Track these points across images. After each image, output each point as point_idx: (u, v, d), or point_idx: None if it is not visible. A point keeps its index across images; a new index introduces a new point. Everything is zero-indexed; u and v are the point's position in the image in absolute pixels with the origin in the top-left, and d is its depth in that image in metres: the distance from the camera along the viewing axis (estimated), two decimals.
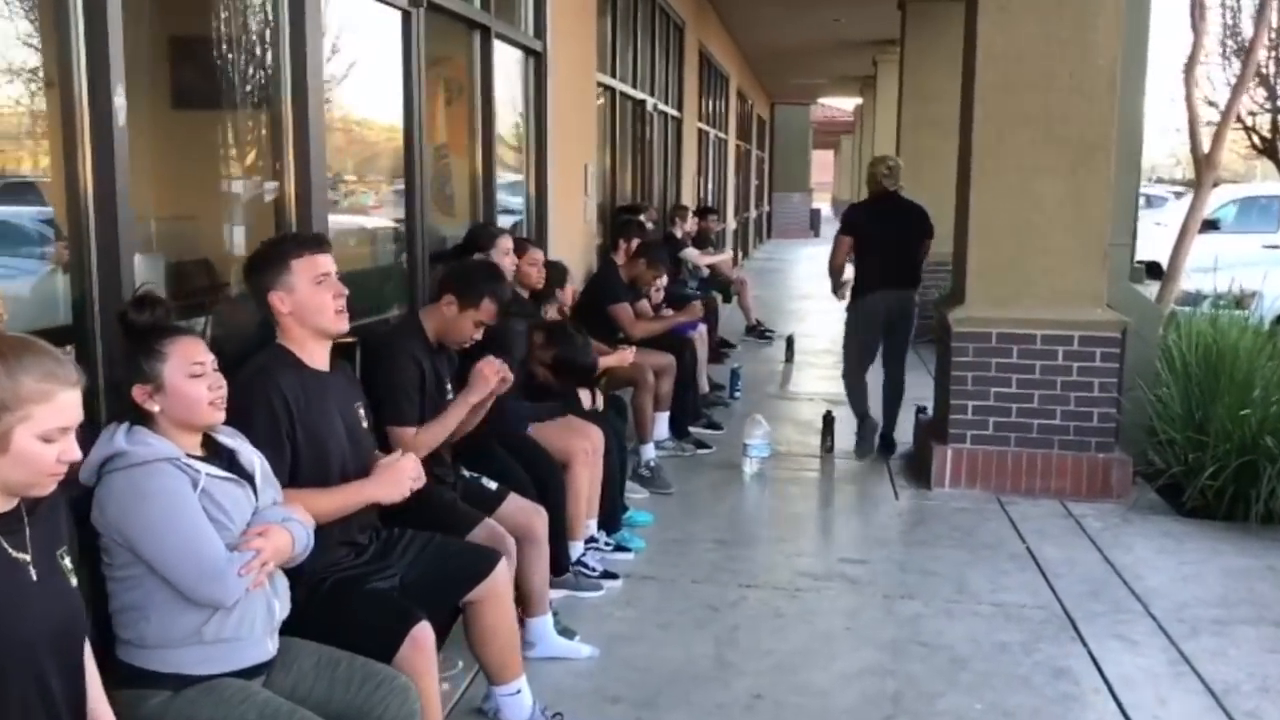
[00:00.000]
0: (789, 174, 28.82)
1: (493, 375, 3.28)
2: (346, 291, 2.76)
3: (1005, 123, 5.63)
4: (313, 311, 2.70)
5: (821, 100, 30.05)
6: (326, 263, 2.73)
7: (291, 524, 2.32)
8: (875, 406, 6.59)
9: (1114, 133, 5.61)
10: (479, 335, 3.49)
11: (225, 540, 2.21)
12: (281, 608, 2.36)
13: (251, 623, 2.27)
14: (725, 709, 3.45)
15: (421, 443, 3.22)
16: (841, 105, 30.55)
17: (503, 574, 3.07)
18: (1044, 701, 3.53)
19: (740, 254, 19.59)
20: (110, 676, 2.20)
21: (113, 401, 2.41)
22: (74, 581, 1.89)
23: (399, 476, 2.76)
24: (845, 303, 6.77)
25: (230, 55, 4.08)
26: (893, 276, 6.34)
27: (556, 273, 5.34)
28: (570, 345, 4.26)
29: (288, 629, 2.46)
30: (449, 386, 3.39)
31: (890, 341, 6.48)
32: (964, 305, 5.80)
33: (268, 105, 3.62)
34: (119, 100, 2.40)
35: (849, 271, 6.59)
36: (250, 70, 3.87)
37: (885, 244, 6.33)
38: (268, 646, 2.33)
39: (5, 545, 1.76)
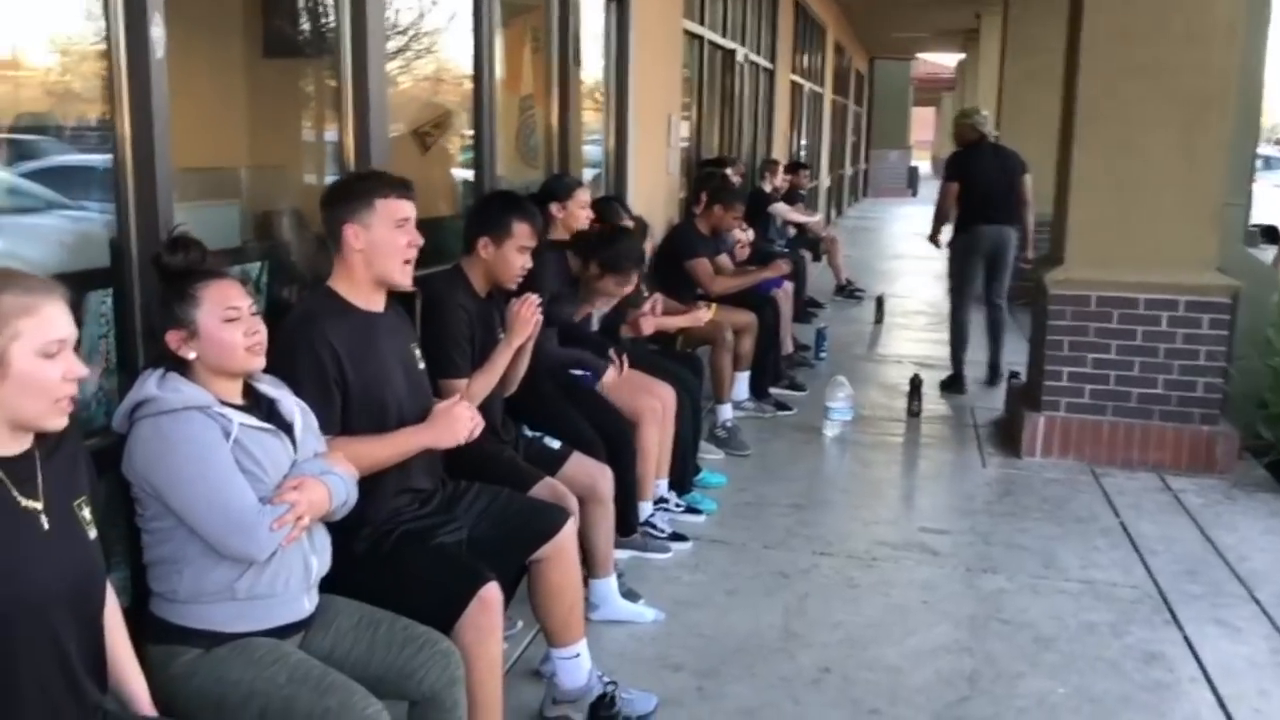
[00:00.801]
0: (887, 131, 28.16)
1: (529, 314, 3.16)
2: (421, 242, 2.65)
3: (1113, 74, 5.31)
4: (385, 255, 2.59)
5: (922, 55, 29.24)
6: (409, 209, 2.62)
7: (330, 477, 2.22)
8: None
9: (1232, 86, 5.25)
10: (528, 261, 3.36)
11: (259, 493, 2.11)
12: (320, 564, 2.27)
13: (286, 579, 2.18)
14: (790, 682, 3.31)
15: (473, 393, 3.11)
16: (943, 61, 29.69)
17: (570, 532, 2.97)
18: (1134, 688, 3.32)
19: (834, 212, 19.21)
20: (143, 631, 2.14)
21: (150, 348, 2.33)
22: (93, 534, 1.81)
23: (453, 421, 2.63)
24: (944, 251, 7.51)
25: (317, 2, 4.00)
26: (990, 213, 6.91)
27: (638, 229, 5.20)
28: (608, 245, 4.16)
29: (349, 580, 2.39)
30: (501, 335, 3.27)
31: (989, 273, 7.05)
32: (1062, 266, 5.52)
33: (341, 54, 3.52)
34: (156, 31, 2.30)
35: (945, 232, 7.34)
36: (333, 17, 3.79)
37: (982, 184, 6.90)
38: (304, 604, 2.24)
39: (15, 493, 1.68)
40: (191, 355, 2.14)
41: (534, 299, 3.18)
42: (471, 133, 4.55)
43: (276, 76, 4.01)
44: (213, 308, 2.14)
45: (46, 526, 1.72)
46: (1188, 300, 5.31)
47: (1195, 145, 5.24)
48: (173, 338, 2.14)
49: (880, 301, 9.80)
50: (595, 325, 4.47)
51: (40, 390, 1.69)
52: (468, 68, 4.47)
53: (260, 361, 2.22)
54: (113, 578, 2.06)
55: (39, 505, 1.72)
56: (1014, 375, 6.37)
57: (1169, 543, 4.46)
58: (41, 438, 1.76)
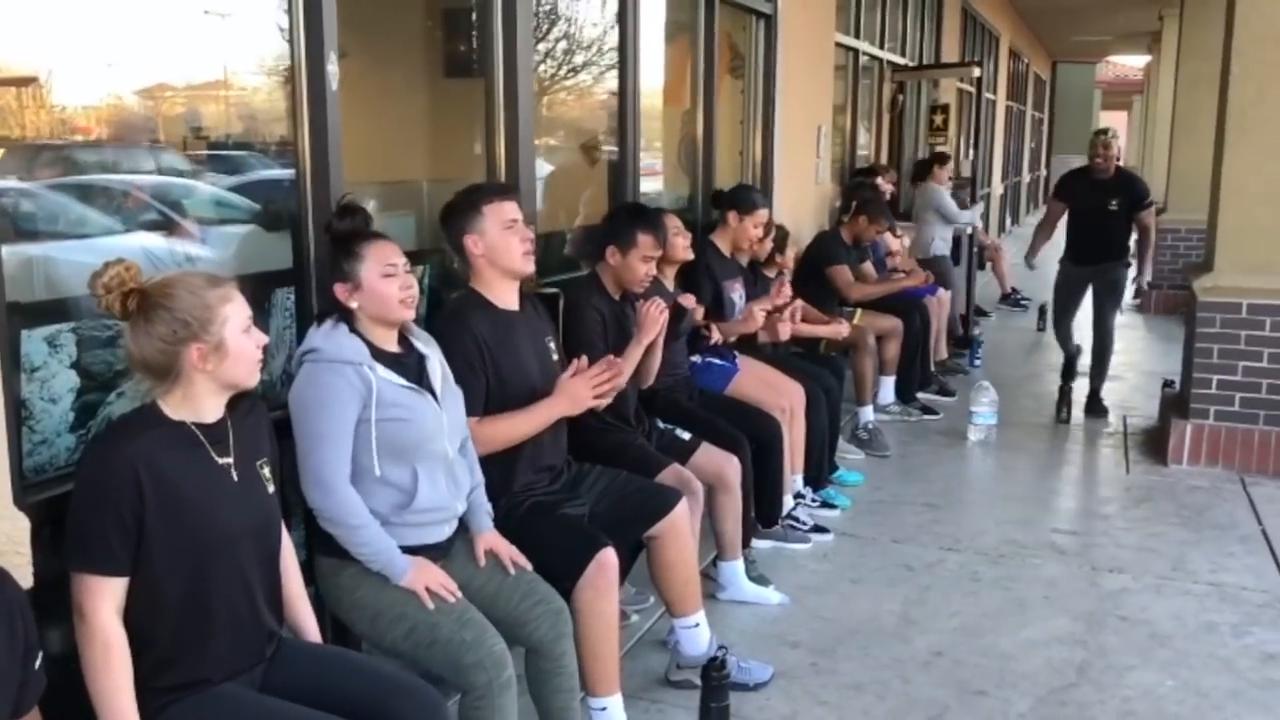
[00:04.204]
0: (1070, 135, 27.31)
1: (658, 314, 3.44)
2: (532, 236, 2.99)
3: (1265, 78, 5.26)
4: (502, 253, 2.93)
5: (1110, 59, 28.26)
6: (513, 209, 2.96)
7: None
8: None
9: None
10: (652, 269, 3.67)
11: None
12: (462, 506, 2.65)
13: (434, 511, 2.55)
14: (901, 663, 3.50)
15: None
16: (1131, 63, 28.60)
17: (682, 513, 3.23)
18: (1245, 685, 3.38)
19: (1008, 219, 18.84)
20: (315, 543, 2.53)
21: (322, 300, 2.73)
22: (271, 489, 2.20)
23: (576, 391, 2.98)
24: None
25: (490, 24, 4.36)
26: (1090, 244, 6.69)
27: (780, 238, 5.45)
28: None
29: None
30: (634, 332, 3.57)
31: (1095, 303, 6.77)
32: (1212, 273, 5.49)
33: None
34: (331, 67, 2.70)
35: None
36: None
37: (1085, 211, 6.67)
38: (444, 531, 2.61)
39: (211, 452, 2.08)
40: (354, 305, 2.51)
41: (660, 301, 3.48)
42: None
43: (454, 95, 4.39)
44: (374, 264, 2.51)
45: (235, 479, 2.12)
46: None
47: None
48: (340, 290, 2.52)
49: (1044, 310, 9.70)
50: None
51: (247, 359, 2.10)
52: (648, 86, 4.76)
53: (411, 313, 2.57)
54: (293, 534, 2.45)
55: (230, 461, 2.11)
56: (1168, 384, 6.31)
57: None
58: (233, 408, 2.16)
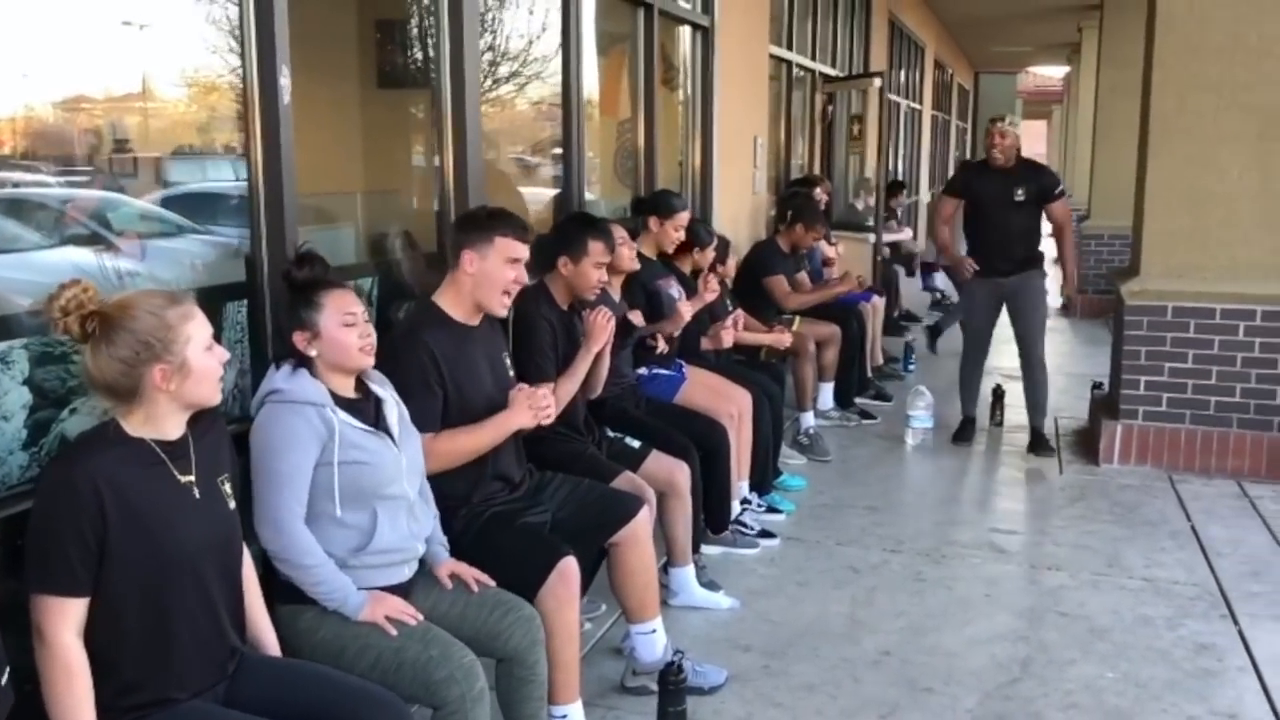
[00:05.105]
0: None
1: (605, 322, 3.48)
2: (526, 280, 3.02)
3: (1186, 88, 5.45)
4: (489, 286, 2.96)
5: (1031, 69, 28.92)
6: (522, 250, 2.99)
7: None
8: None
9: None
10: (604, 276, 3.71)
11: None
12: (421, 548, 2.65)
13: (393, 554, 2.54)
14: (851, 663, 3.56)
15: (559, 395, 3.43)
16: (1051, 74, 29.30)
17: (644, 520, 3.27)
18: (1181, 675, 3.49)
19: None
20: (273, 593, 2.51)
21: (278, 345, 2.71)
22: (232, 505, 2.19)
23: (525, 403, 2.97)
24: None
25: (426, 36, 4.38)
26: (1000, 247, 5.89)
27: (721, 248, 5.52)
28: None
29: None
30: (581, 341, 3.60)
31: (1013, 322, 6.11)
32: (1138, 277, 5.66)
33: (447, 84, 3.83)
34: (284, 80, 2.70)
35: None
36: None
37: (989, 209, 5.84)
38: (404, 572, 2.60)
39: (173, 470, 2.07)
40: (313, 353, 2.51)
41: (606, 310, 3.51)
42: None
43: (389, 106, 4.39)
44: (333, 313, 2.51)
45: (198, 496, 2.10)
46: (1265, 310, 5.41)
47: (1270, 157, 5.35)
48: (298, 338, 2.51)
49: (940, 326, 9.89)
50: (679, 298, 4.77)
51: (210, 377, 2.09)
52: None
53: (370, 360, 2.58)
54: (250, 549, 2.44)
55: (192, 479, 2.10)
56: (1097, 386, 6.48)
57: (1237, 545, 4.58)
58: (194, 424, 2.15)
